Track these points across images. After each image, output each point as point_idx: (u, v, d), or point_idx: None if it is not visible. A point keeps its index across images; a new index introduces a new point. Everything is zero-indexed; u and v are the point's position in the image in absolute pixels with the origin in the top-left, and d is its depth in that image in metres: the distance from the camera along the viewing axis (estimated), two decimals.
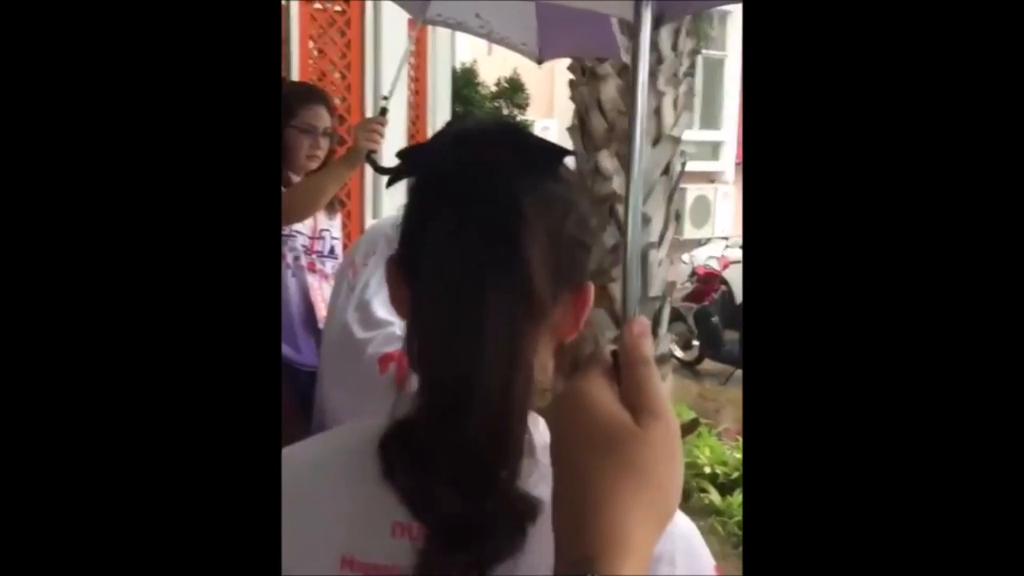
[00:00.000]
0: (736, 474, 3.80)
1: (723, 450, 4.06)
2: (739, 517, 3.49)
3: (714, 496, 3.68)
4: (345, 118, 3.27)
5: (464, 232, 0.56)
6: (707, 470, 3.86)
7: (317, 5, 3.14)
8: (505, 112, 6.27)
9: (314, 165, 2.16)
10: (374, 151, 1.78)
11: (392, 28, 3.25)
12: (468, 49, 6.83)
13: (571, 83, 3.70)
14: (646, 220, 3.49)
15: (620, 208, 3.47)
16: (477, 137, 0.61)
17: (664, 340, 3.68)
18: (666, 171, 3.58)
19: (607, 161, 3.50)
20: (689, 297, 6.33)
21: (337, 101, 3.17)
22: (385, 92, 2.02)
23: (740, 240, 7.17)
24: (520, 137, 0.61)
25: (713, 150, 9.59)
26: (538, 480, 0.54)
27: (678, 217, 3.77)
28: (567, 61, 3.73)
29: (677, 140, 3.60)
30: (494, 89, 6.50)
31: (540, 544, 0.52)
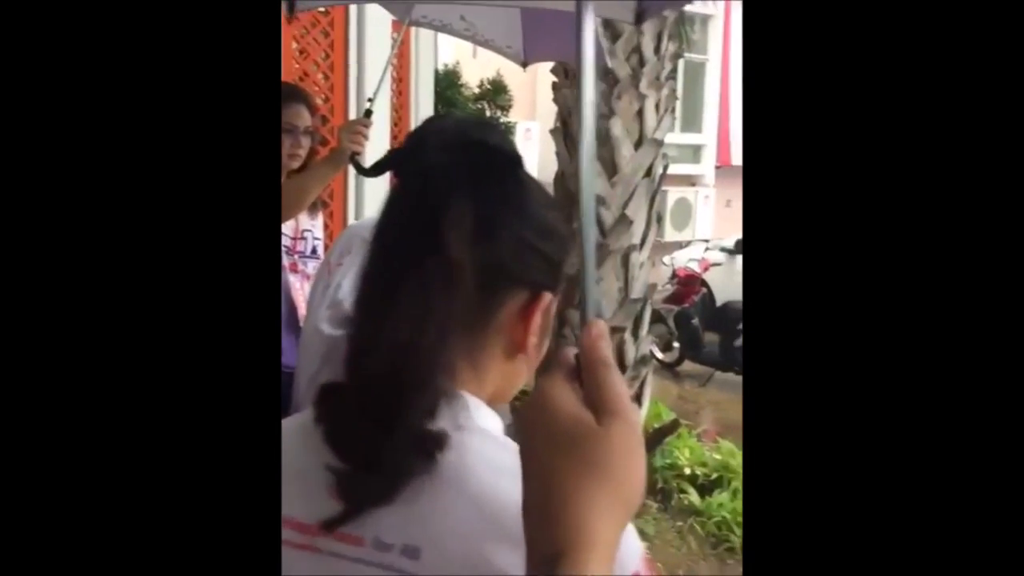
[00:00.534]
0: (716, 475, 3.83)
1: (703, 451, 4.09)
2: (718, 518, 3.52)
3: (694, 497, 3.71)
4: (328, 119, 3.26)
5: (401, 221, 0.67)
6: (687, 471, 3.89)
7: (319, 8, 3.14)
8: (488, 114, 6.28)
9: (295, 164, 2.16)
10: (358, 152, 1.79)
11: (375, 30, 3.25)
12: (451, 51, 6.83)
13: (554, 85, 3.71)
14: (628, 222, 3.51)
15: (603, 210, 3.49)
16: (437, 144, 0.70)
17: (645, 342, 3.70)
18: (648, 173, 3.60)
19: None
20: (670, 299, 6.36)
21: (320, 102, 3.16)
22: (369, 94, 2.02)
23: (721, 243, 7.23)
24: (477, 144, 0.69)
25: (694, 153, 9.64)
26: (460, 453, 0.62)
27: (659, 219, 3.79)
28: (550, 64, 3.74)
29: (659, 143, 3.62)
30: (477, 91, 6.50)
31: (435, 480, 0.61)
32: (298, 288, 2.16)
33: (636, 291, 3.60)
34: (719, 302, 6.43)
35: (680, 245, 7.86)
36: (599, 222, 3.51)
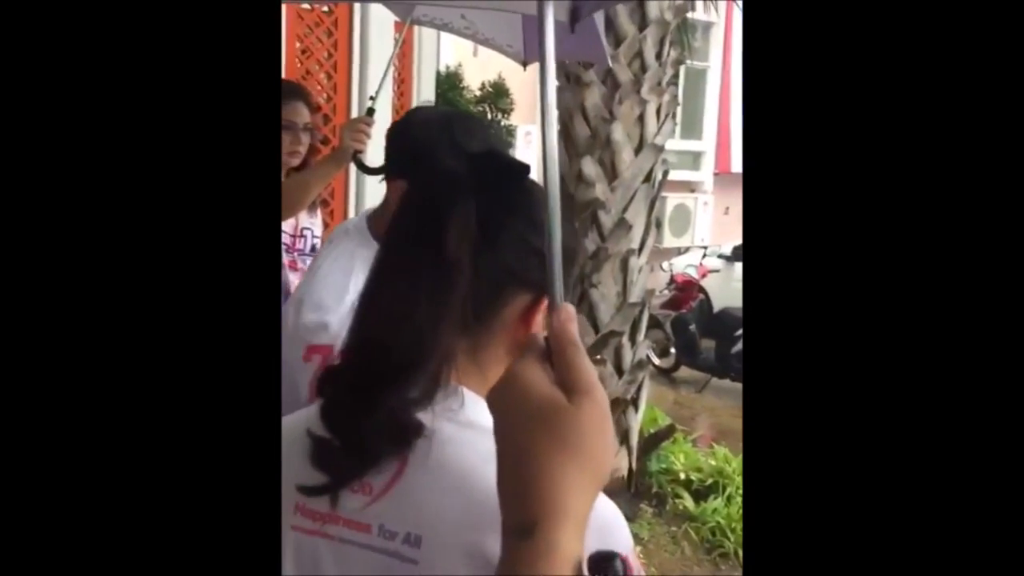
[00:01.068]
0: (710, 481, 3.83)
1: (698, 457, 4.09)
2: (712, 523, 3.52)
3: (688, 502, 3.71)
4: (331, 118, 3.27)
5: (408, 221, 0.72)
6: (682, 476, 3.89)
7: (305, 5, 3.14)
8: (489, 117, 6.28)
9: (296, 161, 2.16)
10: (360, 151, 1.79)
11: (379, 30, 3.25)
12: (453, 52, 6.84)
13: (556, 89, 3.72)
14: (627, 227, 3.51)
15: (603, 215, 3.50)
16: (453, 155, 0.74)
17: (642, 346, 3.70)
18: (648, 178, 3.61)
19: (590, 167, 3.52)
20: (667, 305, 6.37)
21: (323, 101, 3.16)
22: (372, 93, 2.02)
23: (719, 249, 7.24)
24: (487, 154, 0.73)
25: (694, 160, 9.66)
26: (452, 443, 0.66)
27: (659, 225, 3.79)
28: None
29: (660, 148, 3.63)
30: (478, 93, 6.51)
31: (438, 474, 0.65)
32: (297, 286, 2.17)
33: (634, 295, 3.61)
34: (716, 308, 6.44)
35: (678, 251, 7.87)
36: (599, 226, 3.51)
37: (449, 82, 6.22)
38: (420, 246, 0.68)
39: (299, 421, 0.74)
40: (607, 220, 3.52)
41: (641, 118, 3.58)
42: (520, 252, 0.70)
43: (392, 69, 2.03)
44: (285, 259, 2.17)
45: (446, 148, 1.29)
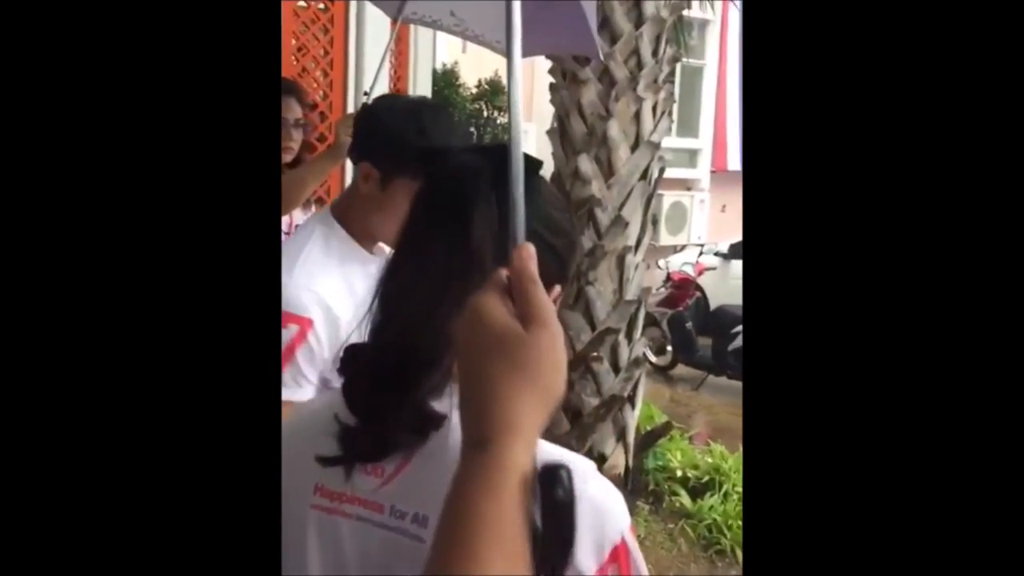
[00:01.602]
0: (707, 478, 3.84)
1: (694, 454, 4.09)
2: (709, 520, 3.52)
3: (685, 499, 3.71)
4: (327, 115, 3.26)
5: (429, 214, 0.75)
6: (678, 473, 3.89)
7: (300, 3, 3.14)
8: (485, 114, 6.28)
9: (288, 157, 2.16)
10: None
11: (375, 27, 3.25)
12: (449, 50, 6.83)
13: (551, 87, 3.72)
14: (623, 224, 3.51)
15: (599, 212, 3.50)
16: (468, 149, 0.78)
17: (639, 344, 3.70)
18: (644, 176, 3.61)
19: (586, 165, 3.52)
20: (664, 302, 6.37)
21: (319, 98, 3.16)
22: (366, 88, 2.02)
23: (715, 247, 7.24)
24: (501, 148, 0.75)
25: (690, 157, 9.66)
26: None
27: (655, 222, 3.80)
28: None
29: (656, 146, 3.63)
30: (474, 90, 6.50)
31: (442, 459, 0.66)
32: None
33: (631, 293, 3.61)
34: (713, 306, 6.45)
35: (675, 249, 7.88)
36: (595, 224, 3.51)
37: (445, 79, 6.22)
38: (443, 238, 0.71)
39: (325, 404, 0.79)
40: (603, 217, 3.52)
41: (637, 115, 3.58)
42: (533, 244, 0.72)
43: (387, 65, 2.03)
44: None
45: (413, 134, 1.37)
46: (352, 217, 1.53)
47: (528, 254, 0.60)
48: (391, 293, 0.75)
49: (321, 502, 0.75)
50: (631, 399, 3.65)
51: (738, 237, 6.61)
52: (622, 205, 3.55)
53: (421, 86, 4.24)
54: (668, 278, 6.66)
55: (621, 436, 3.64)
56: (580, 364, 3.46)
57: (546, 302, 0.59)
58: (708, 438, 4.56)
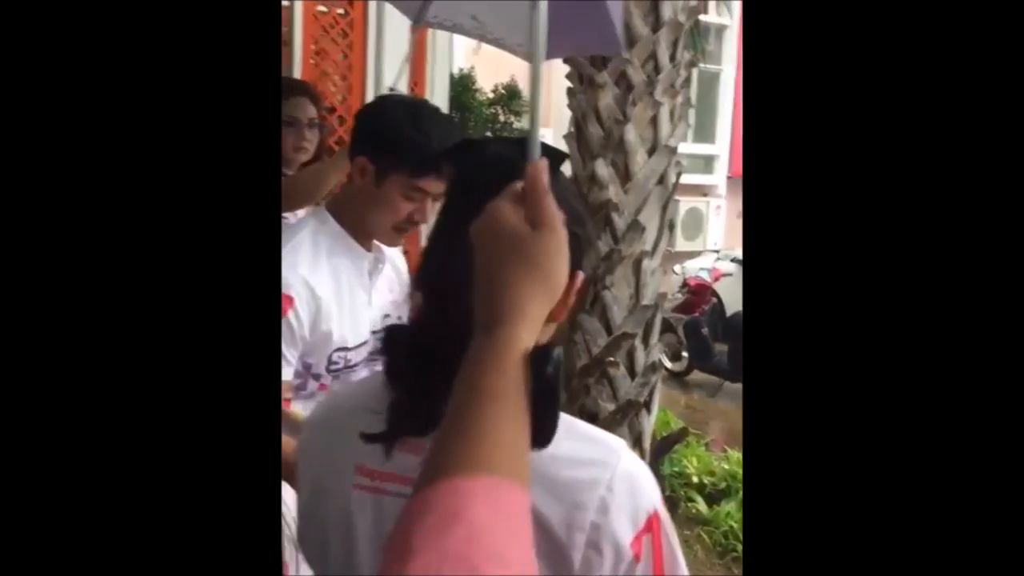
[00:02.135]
0: (723, 484, 3.82)
1: (710, 461, 4.07)
2: (725, 527, 3.50)
3: (701, 506, 3.69)
4: (346, 119, 3.28)
5: (466, 201, 0.77)
6: (695, 480, 3.87)
7: (321, 8, 3.16)
8: (502, 119, 6.29)
9: (304, 157, 2.17)
10: None
11: (394, 32, 3.26)
12: (466, 55, 6.85)
13: (569, 91, 3.71)
14: (640, 228, 3.49)
15: (616, 216, 3.48)
16: (500, 140, 0.84)
17: (655, 349, 3.68)
18: (661, 180, 3.59)
19: (603, 169, 3.51)
20: (680, 308, 6.35)
21: (337, 102, 3.17)
22: (387, 86, 2.03)
23: (732, 253, 7.21)
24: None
25: (706, 163, 9.63)
26: None
27: (672, 227, 3.78)
28: (565, 69, 3.75)
29: (673, 150, 3.61)
30: (491, 95, 6.51)
31: None
32: None
33: (647, 298, 3.59)
34: (729, 312, 6.41)
35: (691, 255, 7.85)
36: (612, 228, 3.50)
37: (462, 84, 6.24)
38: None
39: (365, 384, 0.86)
40: (620, 222, 3.51)
41: (654, 120, 3.56)
42: None
43: (407, 66, 2.03)
44: None
45: (410, 131, 1.42)
46: (346, 212, 1.55)
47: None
48: (429, 273, 0.80)
49: (363, 481, 0.79)
50: (647, 405, 3.63)
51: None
52: (639, 210, 3.53)
53: (438, 90, 4.25)
54: (684, 284, 6.64)
55: (637, 442, 3.62)
56: (596, 369, 3.45)
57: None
58: (724, 445, 4.53)
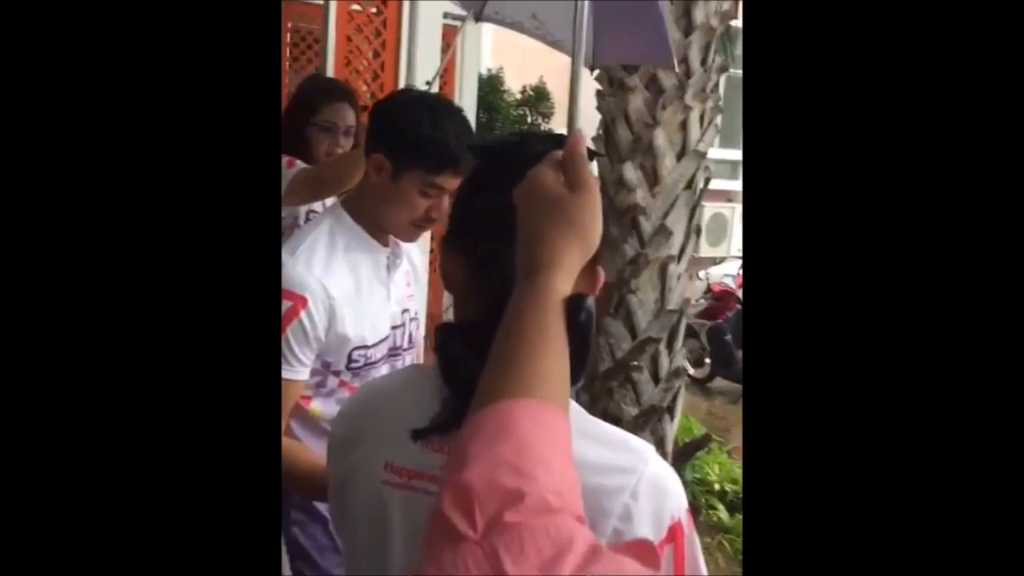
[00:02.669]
0: None
1: (732, 468, 4.04)
2: None
3: (723, 514, 3.67)
4: None
5: (488, 190, 0.82)
6: (716, 487, 3.85)
7: (356, 6, 3.17)
8: (529, 120, 6.29)
9: None
10: None
11: (427, 31, 3.28)
12: (495, 56, 6.86)
13: (598, 93, 3.70)
14: (667, 233, 3.48)
15: (643, 220, 3.47)
16: (537, 135, 0.87)
17: (679, 354, 3.66)
18: (689, 185, 3.58)
19: (631, 173, 3.50)
20: (703, 314, 6.31)
21: (369, 100, 3.18)
22: (425, 81, 2.03)
23: None
24: (564, 138, 0.82)
25: (732, 169, 9.57)
26: None
27: (699, 232, 3.75)
28: (595, 71, 3.74)
29: (702, 155, 3.60)
30: (519, 96, 6.52)
31: None
32: None
33: (673, 302, 3.58)
34: None
35: (714, 261, 7.80)
36: (639, 232, 3.49)
37: (490, 85, 6.24)
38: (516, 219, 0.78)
39: (404, 381, 0.89)
40: (647, 226, 3.50)
41: (684, 124, 3.55)
42: None
43: (443, 63, 2.05)
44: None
45: (427, 127, 1.42)
46: (362, 209, 1.54)
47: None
48: (467, 246, 0.83)
49: (391, 478, 0.80)
50: (670, 410, 3.61)
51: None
52: (666, 214, 3.52)
53: (467, 91, 4.26)
54: (708, 289, 6.59)
55: (659, 447, 3.60)
56: (620, 372, 3.44)
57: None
58: None
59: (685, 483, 3.88)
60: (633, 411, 3.47)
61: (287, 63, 3.97)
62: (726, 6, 3.71)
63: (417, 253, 1.73)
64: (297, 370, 1.44)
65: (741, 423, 5.40)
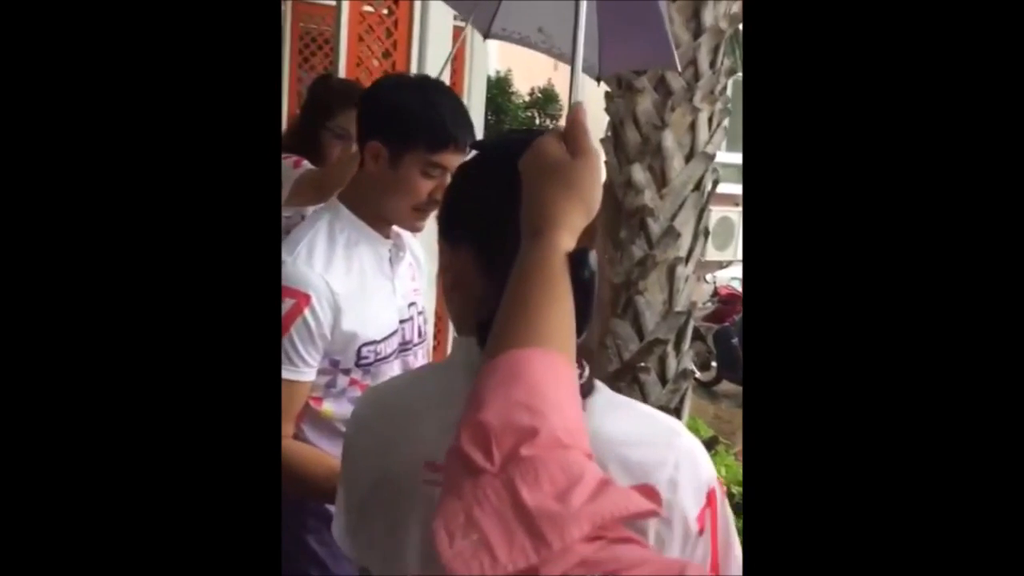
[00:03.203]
0: None
1: (739, 470, 4.03)
2: None
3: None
4: None
5: (491, 183, 0.86)
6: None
7: (367, 7, 3.19)
8: (538, 122, 6.30)
9: None
10: None
11: (437, 32, 3.29)
12: (503, 58, 6.87)
13: (607, 95, 3.71)
14: (675, 234, 3.49)
15: (651, 222, 3.48)
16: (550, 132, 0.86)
17: (686, 356, 3.66)
18: (697, 187, 3.58)
19: (639, 174, 3.51)
20: (710, 317, 6.31)
21: None
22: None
23: None
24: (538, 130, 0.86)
25: (739, 173, 9.57)
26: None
27: (707, 234, 3.76)
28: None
29: (711, 157, 3.60)
30: (527, 98, 6.53)
31: None
32: None
33: (680, 304, 3.58)
34: None
35: (720, 264, 7.80)
36: (647, 233, 3.49)
37: (499, 87, 6.26)
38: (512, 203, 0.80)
39: (439, 380, 0.88)
40: (655, 227, 3.50)
41: (693, 126, 3.56)
42: None
43: (447, 65, 2.06)
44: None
45: (421, 107, 1.39)
46: (361, 201, 1.51)
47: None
48: (496, 266, 0.82)
49: (432, 477, 0.80)
50: (677, 412, 3.61)
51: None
52: (674, 215, 3.53)
53: (475, 93, 4.27)
54: (715, 293, 6.59)
55: None
56: (627, 374, 3.44)
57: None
58: None
59: None
60: None
61: (297, 64, 3.99)
62: (735, 8, 3.71)
63: (420, 247, 1.70)
64: (303, 371, 1.41)
65: None
